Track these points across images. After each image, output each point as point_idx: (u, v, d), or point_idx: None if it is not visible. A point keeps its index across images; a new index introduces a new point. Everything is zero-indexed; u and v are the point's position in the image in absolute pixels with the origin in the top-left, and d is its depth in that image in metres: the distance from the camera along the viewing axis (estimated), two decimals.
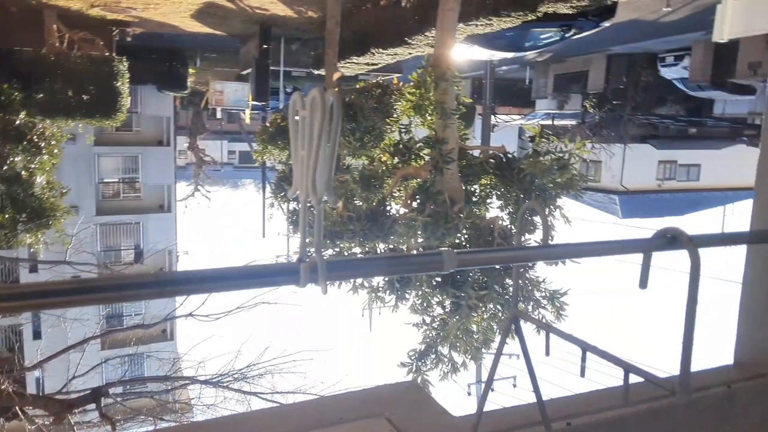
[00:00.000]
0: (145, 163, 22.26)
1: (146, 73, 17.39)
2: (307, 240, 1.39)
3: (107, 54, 13.41)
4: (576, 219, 7.01)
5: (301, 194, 1.40)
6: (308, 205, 1.48)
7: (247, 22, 13.73)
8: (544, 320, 5.88)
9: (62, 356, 11.83)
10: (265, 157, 11.68)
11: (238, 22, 13.84)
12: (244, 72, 15.84)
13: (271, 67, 14.38)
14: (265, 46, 13.81)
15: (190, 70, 19.21)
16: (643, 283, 1.60)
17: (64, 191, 12.64)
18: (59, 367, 14.17)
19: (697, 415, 1.22)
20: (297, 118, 1.50)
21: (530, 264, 5.73)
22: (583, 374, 1.81)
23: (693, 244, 1.47)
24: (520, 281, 5.87)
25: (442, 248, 1.42)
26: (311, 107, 1.35)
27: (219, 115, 19.86)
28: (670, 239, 1.53)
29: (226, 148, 36.74)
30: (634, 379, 1.84)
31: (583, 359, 1.81)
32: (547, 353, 1.95)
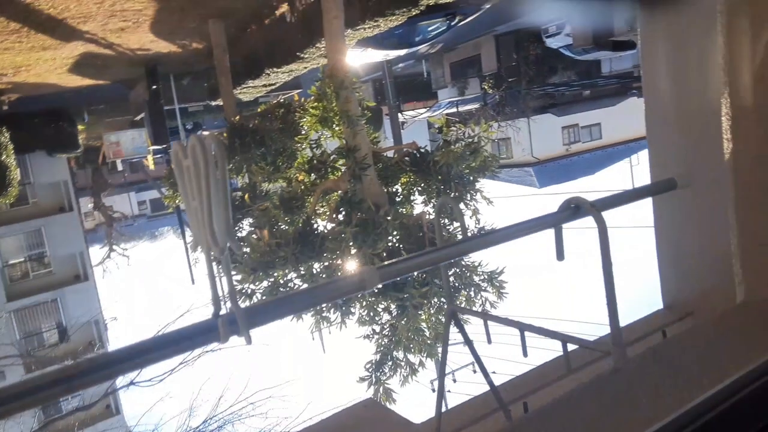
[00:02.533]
0: (50, 234, 20.74)
1: (32, 140, 16.23)
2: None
3: None
4: (498, 198, 7.23)
5: (203, 247, 1.33)
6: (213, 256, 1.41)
7: (131, 65, 13.14)
8: (486, 303, 6.01)
9: None
10: (177, 201, 11.21)
11: (120, 67, 13.21)
12: (138, 117, 15.17)
13: (166, 107, 13.84)
14: (154, 87, 13.27)
15: (80, 127, 18.13)
16: (560, 254, 1.65)
17: None
18: None
19: (637, 367, 1.26)
20: (185, 164, 1.42)
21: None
22: (525, 354, 1.84)
23: (596, 209, 1.53)
24: (456, 269, 5.97)
25: (362, 267, 1.38)
26: (193, 155, 1.28)
27: (120, 167, 18.89)
28: (575, 209, 1.58)
29: (135, 200, 35.01)
30: (573, 347, 1.89)
31: (523, 339, 1.84)
32: (489, 341, 1.97)
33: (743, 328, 1.28)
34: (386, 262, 1.46)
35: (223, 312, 1.34)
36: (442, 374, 2.11)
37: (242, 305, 1.43)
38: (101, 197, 25.45)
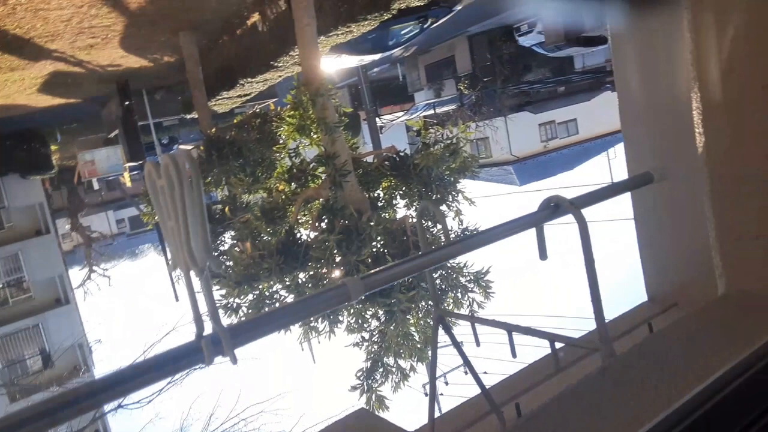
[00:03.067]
0: (28, 258, 20.30)
1: (4, 163, 15.91)
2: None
3: None
4: (479, 197, 7.26)
5: (182, 268, 1.30)
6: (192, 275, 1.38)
7: (102, 82, 12.96)
8: (474, 303, 6.02)
9: None
10: (156, 218, 11.05)
11: (91, 85, 13.01)
12: (112, 135, 14.94)
13: (140, 123, 13.66)
14: (127, 103, 13.10)
15: (53, 147, 17.81)
16: (543, 254, 1.65)
17: None
18: None
19: (625, 366, 1.26)
20: (159, 184, 1.39)
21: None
22: (514, 355, 1.84)
23: (575, 207, 1.53)
24: (442, 272, 5.98)
25: (346, 278, 1.37)
26: (167, 175, 1.26)
27: (96, 186, 18.57)
28: (555, 207, 1.58)
29: (113, 219, 34.44)
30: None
31: (511, 340, 1.84)
32: (477, 344, 1.97)
33: (726, 321, 1.29)
34: (370, 272, 1.45)
35: (206, 332, 1.31)
36: (433, 380, 2.10)
37: (227, 323, 1.40)
38: (78, 218, 24.97)
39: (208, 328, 1.32)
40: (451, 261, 6.04)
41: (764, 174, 1.30)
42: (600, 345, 1.34)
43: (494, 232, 1.54)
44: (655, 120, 1.84)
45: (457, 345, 1.92)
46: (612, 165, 23.80)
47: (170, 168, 1.25)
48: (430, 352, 6.35)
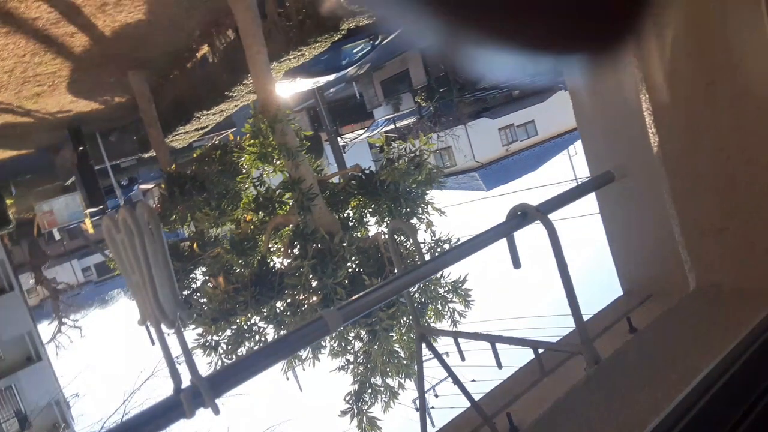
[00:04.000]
0: None
1: None
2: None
3: None
4: (449, 206, 7.31)
5: (152, 323, 1.26)
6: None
7: (53, 129, 12.63)
8: (455, 314, 6.01)
9: None
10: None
11: (42, 133, 12.67)
12: (69, 182, 14.55)
13: (96, 167, 13.35)
14: (81, 148, 12.79)
15: (8, 201, 17.19)
16: (516, 263, 1.66)
17: None
18: None
19: (610, 373, 1.27)
20: (119, 238, 1.34)
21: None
22: (500, 366, 1.84)
23: (542, 213, 1.55)
24: (420, 284, 5.97)
25: (323, 311, 1.34)
26: (125, 229, 1.22)
27: (57, 236, 17.99)
28: (522, 216, 1.59)
29: (78, 268, 33.39)
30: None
31: (495, 352, 1.84)
32: (462, 358, 1.96)
33: (701, 317, 1.31)
34: (346, 301, 1.43)
35: (185, 385, 1.27)
36: (422, 398, 2.08)
37: (206, 361, 1.35)
38: (42, 270, 24.11)
39: (186, 379, 1.27)
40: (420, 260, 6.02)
41: (719, 168, 1.34)
42: (582, 348, 1.35)
43: (466, 247, 1.54)
44: (610, 121, 1.89)
45: (443, 361, 1.91)
46: (574, 161, 24.33)
47: (128, 221, 1.21)
48: (417, 367, 6.31)
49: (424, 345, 1.98)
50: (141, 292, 1.24)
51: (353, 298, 1.44)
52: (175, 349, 1.35)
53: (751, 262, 1.36)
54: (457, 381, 1.98)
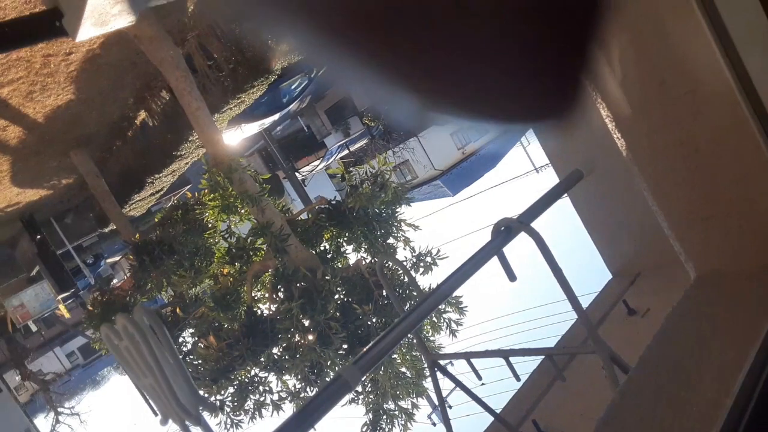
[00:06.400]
0: None
1: None
2: None
3: None
4: (422, 219, 7.39)
5: (175, 421, 1.24)
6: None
7: (5, 224, 12.24)
8: (451, 323, 6.02)
9: None
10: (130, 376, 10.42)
11: None
12: (33, 272, 14.07)
13: (58, 251, 12.97)
14: (38, 237, 12.42)
15: None
16: (511, 276, 1.69)
17: None
18: None
19: (640, 380, 1.28)
20: (123, 346, 1.32)
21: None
22: (518, 378, 1.86)
23: (524, 225, 1.59)
24: (411, 302, 5.98)
25: (340, 369, 1.35)
26: (127, 336, 1.20)
27: (33, 327, 17.34)
28: (507, 231, 1.64)
29: (62, 355, 32.31)
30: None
31: (510, 365, 1.87)
32: (479, 378, 1.98)
33: (711, 308, 1.37)
34: (360, 354, 1.43)
35: None
36: (447, 426, 2.08)
37: (212, 423, 1.33)
38: (26, 365, 23.23)
39: None
40: (416, 290, 6.05)
41: (690, 161, 1.40)
42: (595, 347, 1.39)
43: (462, 272, 1.57)
44: (569, 130, 1.94)
45: (461, 385, 1.93)
46: (529, 151, 24.81)
47: (129, 328, 1.19)
48: (426, 384, 6.29)
49: (438, 371, 2.00)
50: (158, 394, 1.22)
51: (366, 349, 1.45)
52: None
53: (744, 244, 1.42)
54: (476, 399, 2.00)
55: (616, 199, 2.03)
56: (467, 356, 1.89)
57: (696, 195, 1.44)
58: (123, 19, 2.47)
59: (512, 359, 2.00)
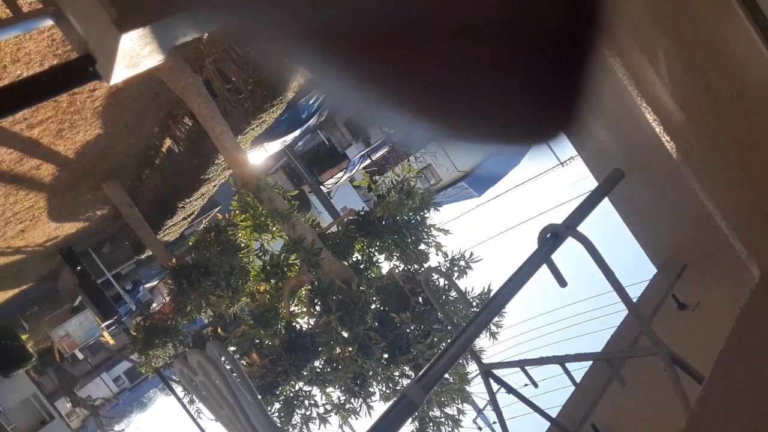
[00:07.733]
0: None
1: None
2: None
3: None
4: (451, 222, 7.39)
5: None
6: None
7: (46, 258, 12.65)
8: (489, 328, 6.00)
9: None
10: (153, 364, 10.68)
11: (37, 264, 12.68)
12: (76, 303, 14.52)
13: (98, 281, 13.36)
14: (79, 268, 12.81)
15: (24, 337, 17.11)
16: (561, 282, 1.71)
17: None
18: None
19: (719, 388, 1.26)
20: (198, 380, 1.38)
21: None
22: (575, 383, 1.87)
23: (571, 230, 1.60)
24: (449, 307, 5.98)
25: (404, 388, 1.38)
26: (203, 371, 1.26)
27: (80, 355, 17.86)
28: (554, 237, 1.65)
29: (109, 380, 33.24)
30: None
31: (566, 370, 1.87)
32: (535, 385, 1.98)
33: None
34: (421, 372, 1.46)
35: None
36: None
37: None
38: (75, 392, 24.04)
39: None
40: (451, 295, 6.05)
41: (745, 159, 1.39)
42: (655, 349, 1.39)
43: (513, 283, 1.59)
44: (608, 123, 1.94)
45: (517, 393, 1.94)
46: (552, 145, 24.44)
47: (204, 363, 1.25)
48: (468, 388, 6.28)
49: (492, 381, 2.01)
50: (235, 426, 1.27)
51: (427, 366, 1.47)
52: None
53: None
54: (533, 406, 2.01)
55: (658, 195, 2.01)
56: (521, 364, 1.89)
57: (754, 193, 1.42)
58: (153, 59, 2.56)
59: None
